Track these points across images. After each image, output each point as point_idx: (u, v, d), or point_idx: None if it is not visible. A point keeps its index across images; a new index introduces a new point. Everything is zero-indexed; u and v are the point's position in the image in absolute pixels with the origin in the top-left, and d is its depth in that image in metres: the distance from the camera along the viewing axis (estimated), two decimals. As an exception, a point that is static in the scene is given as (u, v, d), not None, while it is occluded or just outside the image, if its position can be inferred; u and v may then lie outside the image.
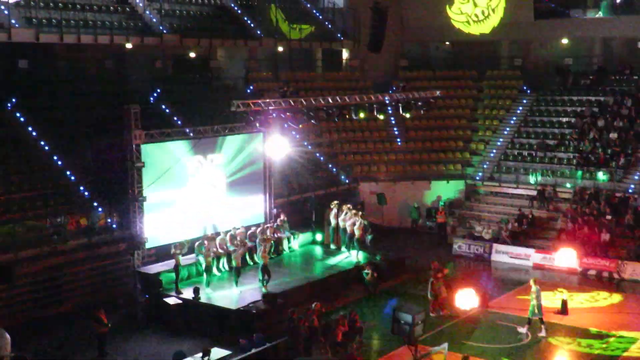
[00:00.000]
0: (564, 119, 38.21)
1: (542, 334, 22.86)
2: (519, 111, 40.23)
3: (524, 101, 40.71)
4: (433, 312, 24.36)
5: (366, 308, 25.49)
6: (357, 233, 29.12)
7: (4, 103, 29.16)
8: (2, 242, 24.00)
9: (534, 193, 34.41)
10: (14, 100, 29.43)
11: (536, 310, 22.85)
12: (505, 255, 31.51)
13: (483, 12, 42.61)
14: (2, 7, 25.82)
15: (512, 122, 39.74)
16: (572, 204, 32.89)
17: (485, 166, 37.47)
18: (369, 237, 30.14)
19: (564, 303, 24.93)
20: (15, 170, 26.86)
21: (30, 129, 28.74)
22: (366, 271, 26.93)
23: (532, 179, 35.35)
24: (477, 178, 37.05)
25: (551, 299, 25.68)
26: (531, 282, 23.35)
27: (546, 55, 43.73)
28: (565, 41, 41.98)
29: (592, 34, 41.70)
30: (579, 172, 34.51)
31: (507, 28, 42.27)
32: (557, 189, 34.23)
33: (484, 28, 42.75)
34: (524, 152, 37.18)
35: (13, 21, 28.56)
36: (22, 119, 28.95)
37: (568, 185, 34.39)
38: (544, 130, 38.03)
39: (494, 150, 38.36)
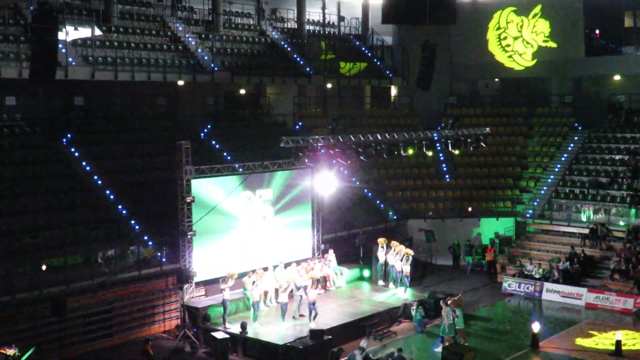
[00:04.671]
0: (617, 157, 37.59)
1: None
2: (570, 148, 39.72)
3: (575, 138, 40.19)
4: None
5: (414, 346, 25.20)
6: (405, 270, 28.95)
7: (59, 138, 29.90)
8: (54, 275, 24.40)
9: (586, 231, 33.81)
10: (69, 135, 30.18)
11: (447, 329, 24.02)
12: (556, 294, 30.88)
13: (508, 46, 42.80)
14: (60, 46, 26.58)
15: (563, 159, 39.22)
16: (626, 243, 32.22)
17: (535, 203, 36.97)
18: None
19: (619, 344, 24.29)
20: (69, 203, 27.39)
21: (84, 163, 29.38)
22: (414, 308, 26.68)
23: (584, 217, 34.78)
24: (528, 215, 36.56)
25: (605, 340, 25.17)
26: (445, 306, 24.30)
27: (598, 92, 43.24)
28: (617, 78, 41.49)
29: (644, 71, 41.15)
30: (633, 210, 33.83)
31: (557, 65, 42.01)
32: (610, 227, 33.58)
33: (512, 62, 43.01)
34: (575, 189, 36.61)
35: (70, 59, 29.39)
36: (76, 154, 29.63)
37: (621, 223, 33.74)
38: (596, 168, 37.43)
39: (545, 188, 37.85)
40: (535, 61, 42.62)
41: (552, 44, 42.27)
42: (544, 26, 42.42)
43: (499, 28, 43.11)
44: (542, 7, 42.31)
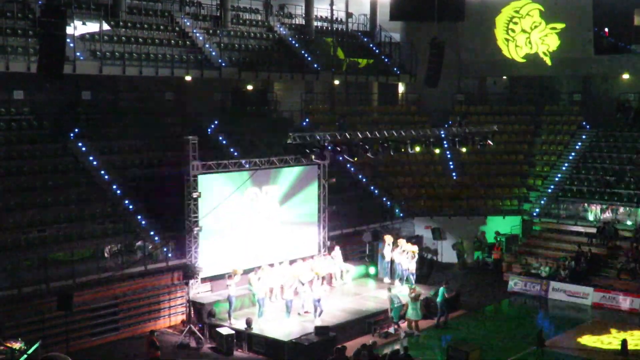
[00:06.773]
0: (625, 155, 37.45)
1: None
2: (577, 147, 39.55)
3: (583, 137, 40.01)
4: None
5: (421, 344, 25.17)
6: (411, 267, 28.92)
7: (67, 133, 29.96)
8: (61, 269, 24.46)
9: (593, 230, 33.69)
10: (76, 130, 30.21)
11: (392, 316, 25.61)
12: (562, 293, 30.79)
13: (512, 31, 42.67)
14: (68, 41, 26.57)
15: (570, 157, 39.07)
16: (633, 242, 32.10)
17: (542, 202, 36.88)
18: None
19: (625, 344, 24.20)
20: (76, 198, 27.45)
21: (91, 158, 29.42)
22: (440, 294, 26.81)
23: (591, 216, 34.68)
24: (534, 214, 36.47)
25: (610, 339, 25.10)
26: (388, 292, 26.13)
27: (607, 90, 43.07)
28: (626, 76, 41.30)
29: (654, 70, 40.95)
30: (640, 210, 33.77)
31: (566, 63, 41.84)
32: (617, 226, 33.45)
33: (504, 45, 42.94)
34: (583, 188, 36.48)
35: (78, 54, 29.39)
36: (83, 149, 29.67)
37: (628, 222, 33.63)
38: (604, 167, 37.29)
39: (552, 186, 37.74)
40: (524, 61, 42.51)
41: (547, 60, 42.17)
42: (553, 42, 42.06)
43: (517, 12, 42.80)
44: (564, 28, 41.99)
